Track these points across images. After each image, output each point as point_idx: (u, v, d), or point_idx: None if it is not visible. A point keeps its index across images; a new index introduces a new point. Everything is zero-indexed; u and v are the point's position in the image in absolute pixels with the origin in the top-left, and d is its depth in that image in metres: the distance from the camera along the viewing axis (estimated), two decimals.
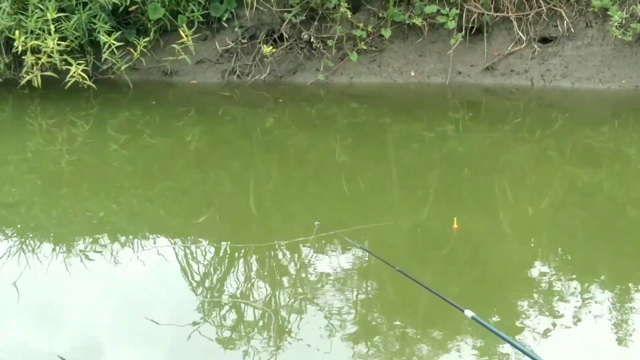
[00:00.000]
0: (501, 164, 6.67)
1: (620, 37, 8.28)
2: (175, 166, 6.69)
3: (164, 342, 3.96)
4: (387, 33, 8.71)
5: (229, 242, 5.06)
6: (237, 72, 8.88)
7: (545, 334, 3.96)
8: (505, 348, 3.76)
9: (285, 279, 4.62)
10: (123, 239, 5.16)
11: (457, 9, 8.56)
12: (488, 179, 6.26)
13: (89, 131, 7.60)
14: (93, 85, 8.25)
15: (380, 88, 8.71)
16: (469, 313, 3.00)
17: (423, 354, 3.88)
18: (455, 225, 4.82)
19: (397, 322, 4.15)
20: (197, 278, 4.62)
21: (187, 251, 4.93)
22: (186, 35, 8.47)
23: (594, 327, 4.04)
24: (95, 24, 8.48)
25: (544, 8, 8.63)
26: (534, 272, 4.64)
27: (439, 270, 4.67)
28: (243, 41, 8.89)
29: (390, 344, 3.98)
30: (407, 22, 8.72)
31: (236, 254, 4.87)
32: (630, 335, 3.96)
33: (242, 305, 4.27)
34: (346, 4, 8.47)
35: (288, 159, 6.87)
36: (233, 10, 8.88)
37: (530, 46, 8.68)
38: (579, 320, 4.08)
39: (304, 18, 8.77)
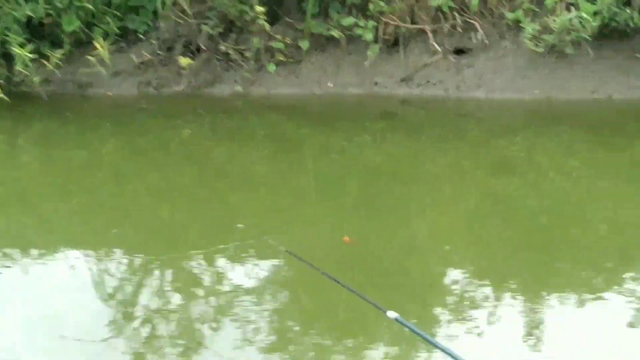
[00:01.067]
0: (418, 174, 6.75)
1: (532, 48, 8.47)
2: (91, 179, 6.58)
3: (76, 358, 3.87)
4: (305, 45, 8.74)
5: (144, 255, 4.98)
6: (154, 84, 8.81)
7: (465, 334, 4.11)
8: (428, 348, 3.84)
9: (199, 290, 4.57)
10: (36, 253, 5.06)
11: (374, 21, 8.64)
12: (405, 188, 6.31)
13: (1, 144, 7.42)
14: (6, 98, 8.03)
15: (298, 99, 8.73)
16: (392, 314, 3.04)
17: (347, 356, 3.92)
18: (346, 238, 4.82)
19: (320, 325, 4.24)
20: (110, 292, 4.53)
21: (102, 265, 4.85)
22: (101, 47, 8.33)
23: (508, 329, 4.19)
24: (8, 36, 8.26)
25: (458, 20, 8.78)
26: (452, 278, 4.75)
27: (360, 276, 4.68)
28: (160, 53, 8.82)
29: (313, 347, 4.00)
30: (324, 33, 8.75)
31: (151, 266, 4.82)
32: (541, 336, 4.10)
33: (157, 318, 4.20)
34: (264, 16, 8.46)
35: (206, 171, 6.84)
36: (149, 22, 8.80)
37: (445, 57, 8.81)
38: (495, 322, 4.23)
39: (221, 30, 8.76)
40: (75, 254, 4.97)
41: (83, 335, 3.95)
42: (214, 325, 4.16)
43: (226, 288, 4.62)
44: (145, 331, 4.07)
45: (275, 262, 4.87)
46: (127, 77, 8.98)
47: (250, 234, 4.96)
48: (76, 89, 8.91)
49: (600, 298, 4.44)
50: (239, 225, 4.88)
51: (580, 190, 6.45)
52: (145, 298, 4.43)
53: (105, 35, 8.71)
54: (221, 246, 4.93)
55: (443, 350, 2.88)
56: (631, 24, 8.43)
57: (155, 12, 8.83)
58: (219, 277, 4.76)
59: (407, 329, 3.04)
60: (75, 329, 4.03)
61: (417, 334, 2.96)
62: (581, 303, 4.39)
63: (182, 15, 8.79)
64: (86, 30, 8.77)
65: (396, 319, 3.02)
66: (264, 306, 4.35)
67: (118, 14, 8.79)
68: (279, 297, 4.50)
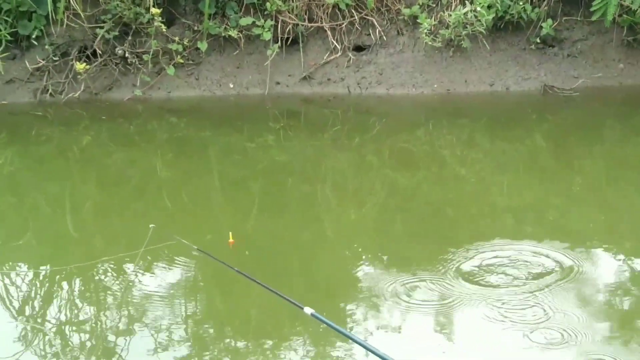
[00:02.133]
0: (323, 172, 6.77)
1: (430, 43, 8.60)
2: None
3: None
4: (203, 46, 8.69)
5: (49, 266, 4.86)
6: (50, 91, 8.64)
7: (378, 327, 4.18)
8: (344, 342, 3.92)
9: (110, 298, 4.49)
10: None
11: (272, 20, 8.65)
12: (311, 186, 6.33)
13: None
14: None
15: (199, 101, 8.68)
16: (308, 310, 3.05)
17: (264, 354, 3.96)
18: (230, 240, 4.79)
19: (236, 324, 4.27)
20: (17, 306, 4.39)
21: (4, 279, 4.69)
22: None
23: (422, 321, 4.27)
24: None
25: (356, 17, 8.85)
26: (361, 272, 4.78)
27: (273, 275, 4.66)
28: (55, 59, 8.66)
29: (231, 346, 4.03)
30: (223, 34, 8.73)
31: (57, 277, 4.71)
32: (450, 325, 4.19)
33: (67, 330, 4.09)
34: (160, 18, 8.41)
35: (108, 178, 6.72)
36: (42, 28, 8.61)
37: (345, 55, 8.88)
38: (407, 312, 4.31)
39: (117, 33, 8.66)
40: None
41: None
42: (127, 333, 4.09)
43: (139, 292, 4.54)
44: (55, 345, 3.95)
45: (187, 262, 4.82)
46: (22, 84, 8.77)
47: (155, 241, 4.85)
48: None
49: (506, 288, 4.52)
50: (151, 225, 4.75)
51: (482, 181, 6.57)
52: (55, 310, 4.31)
53: None
54: (130, 252, 4.81)
55: (360, 343, 2.90)
56: (524, 16, 8.64)
57: (48, 17, 8.60)
58: (131, 282, 4.67)
59: (323, 325, 3.04)
60: None
61: (334, 328, 2.98)
62: (488, 296, 4.45)
63: (75, 20, 8.62)
64: None
65: (312, 315, 3.02)
66: (178, 309, 4.28)
67: (9, 19, 8.53)
68: (192, 299, 4.45)
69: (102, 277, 4.75)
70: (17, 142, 7.71)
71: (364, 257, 5.08)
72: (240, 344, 4.06)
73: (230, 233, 4.85)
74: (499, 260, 4.79)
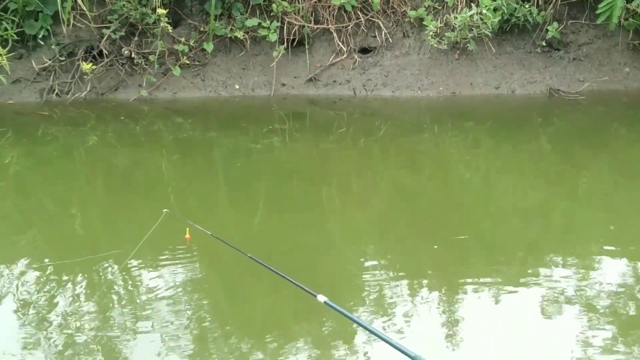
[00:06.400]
0: (328, 173, 6.79)
1: (436, 45, 8.66)
2: None
3: None
4: (209, 47, 8.75)
5: (53, 260, 4.89)
6: (56, 91, 8.72)
7: (390, 317, 4.26)
8: (356, 329, 4.06)
9: (123, 285, 4.54)
10: None
11: (278, 21, 8.71)
12: (316, 187, 6.36)
13: None
14: None
15: (205, 102, 8.74)
16: (321, 298, 3.09)
17: (278, 340, 4.03)
18: (187, 236, 4.80)
19: (250, 311, 4.35)
20: (23, 304, 4.41)
21: (9, 276, 4.71)
22: (0, 54, 8.11)
23: (431, 310, 4.37)
24: None
25: (362, 19, 8.92)
26: (370, 268, 4.86)
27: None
28: (61, 59, 8.74)
29: (245, 332, 4.11)
30: (229, 35, 8.78)
31: (63, 275, 4.70)
32: (459, 317, 4.29)
33: (75, 325, 4.12)
34: (166, 19, 8.47)
35: (113, 178, 6.74)
36: (49, 28, 8.69)
37: (351, 57, 8.94)
38: (414, 305, 4.40)
39: (123, 34, 8.74)
40: None
41: None
42: (148, 312, 4.17)
43: (153, 281, 4.59)
44: (63, 341, 3.97)
45: (200, 249, 4.88)
46: (28, 84, 8.85)
47: (159, 241, 4.87)
48: None
49: (509, 286, 4.56)
50: (164, 210, 4.76)
51: (487, 183, 6.62)
52: (63, 306, 4.34)
53: (3, 42, 8.48)
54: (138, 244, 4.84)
55: (372, 331, 2.94)
56: (530, 20, 8.67)
57: (54, 17, 8.64)
58: (138, 279, 4.69)
59: (335, 312, 3.07)
60: None
61: (347, 316, 3.01)
62: (491, 290, 4.51)
63: (82, 20, 8.68)
64: None
65: (325, 303, 3.05)
66: (190, 295, 4.35)
67: (15, 19, 8.58)
68: (204, 287, 4.51)
69: (108, 273, 4.77)
70: (23, 142, 7.77)
71: (370, 254, 5.12)
72: (253, 331, 4.11)
73: (188, 229, 4.87)
74: (503, 262, 4.83)
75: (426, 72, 8.94)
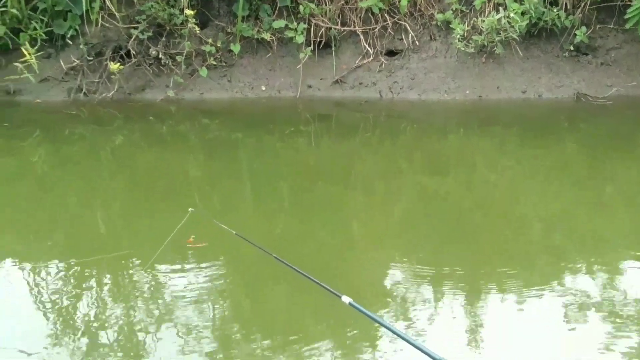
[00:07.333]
0: (354, 175, 6.78)
1: (462, 49, 8.64)
2: (21, 188, 6.43)
3: None
4: (236, 48, 8.78)
5: (79, 261, 4.90)
6: (84, 90, 8.78)
7: (414, 319, 4.26)
8: (380, 331, 4.06)
9: (148, 281, 4.56)
10: None
11: (305, 23, 8.74)
12: (341, 189, 6.35)
13: None
14: None
15: (231, 103, 8.77)
16: (346, 299, 3.08)
17: (303, 341, 4.03)
18: (190, 239, 4.80)
19: (275, 310, 4.33)
20: (48, 302, 4.44)
21: (35, 275, 4.74)
22: (29, 54, 8.19)
23: (456, 312, 4.35)
24: None
25: (389, 22, 8.92)
26: (393, 270, 4.87)
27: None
28: (89, 58, 8.80)
29: (269, 332, 4.12)
30: (256, 37, 8.82)
31: (88, 273, 4.72)
32: (483, 321, 4.28)
33: (96, 325, 4.13)
34: (194, 20, 8.49)
35: (139, 177, 6.77)
36: (77, 27, 8.79)
37: (377, 59, 8.94)
38: (438, 308, 4.40)
39: (151, 34, 8.77)
40: (8, 264, 4.84)
41: (23, 347, 3.84)
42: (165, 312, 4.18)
43: (177, 280, 4.62)
44: (84, 342, 3.98)
45: (223, 249, 4.91)
46: (56, 83, 8.92)
47: (181, 240, 4.89)
48: (4, 96, 8.87)
49: (532, 290, 4.54)
50: (190, 209, 4.78)
51: (512, 188, 6.58)
52: (86, 304, 4.35)
53: (32, 41, 8.54)
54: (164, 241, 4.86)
55: (397, 334, 2.92)
56: (558, 24, 8.63)
57: (83, 17, 8.71)
58: (163, 279, 4.71)
59: (359, 313, 3.07)
60: (12, 341, 3.92)
61: (372, 318, 3.01)
62: (514, 295, 4.49)
63: (110, 20, 8.73)
64: (12, 36, 8.61)
65: (350, 304, 3.04)
66: (214, 295, 4.36)
67: (44, 19, 8.64)
68: (229, 286, 4.52)
69: (131, 271, 4.79)
70: (50, 141, 7.83)
71: (391, 256, 5.12)
72: (276, 332, 4.12)
73: (192, 236, 4.89)
74: (526, 268, 4.81)
75: (453, 75, 8.92)
